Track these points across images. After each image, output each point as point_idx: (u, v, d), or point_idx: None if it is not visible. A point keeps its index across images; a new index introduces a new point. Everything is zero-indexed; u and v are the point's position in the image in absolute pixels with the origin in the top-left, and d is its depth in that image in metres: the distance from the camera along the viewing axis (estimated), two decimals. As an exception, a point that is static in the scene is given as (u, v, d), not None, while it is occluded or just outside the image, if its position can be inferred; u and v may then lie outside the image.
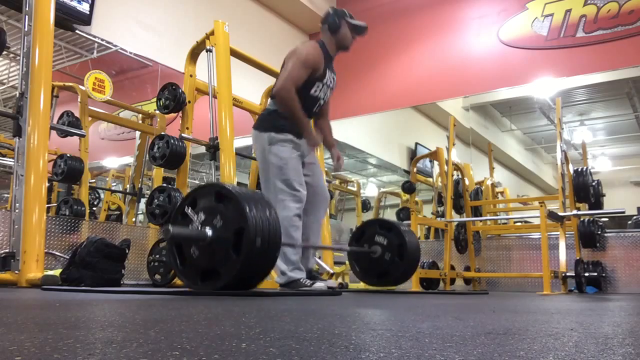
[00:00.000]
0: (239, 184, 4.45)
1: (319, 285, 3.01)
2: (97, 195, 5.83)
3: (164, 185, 4.38)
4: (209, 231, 2.16)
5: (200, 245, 2.19)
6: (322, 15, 3.32)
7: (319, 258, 4.80)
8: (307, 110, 3.18)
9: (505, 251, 6.00)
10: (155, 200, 4.23)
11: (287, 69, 3.07)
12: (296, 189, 3.04)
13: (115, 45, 5.46)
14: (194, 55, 4.42)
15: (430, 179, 7.56)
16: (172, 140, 4.04)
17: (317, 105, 3.27)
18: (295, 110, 3.03)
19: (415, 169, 6.85)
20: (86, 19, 5.05)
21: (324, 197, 3.32)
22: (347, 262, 5.21)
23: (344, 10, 3.29)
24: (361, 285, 4.81)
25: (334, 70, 3.32)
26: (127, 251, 3.82)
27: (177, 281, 3.97)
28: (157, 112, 5.10)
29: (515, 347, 0.81)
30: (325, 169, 5.32)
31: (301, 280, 3.00)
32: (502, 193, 7.43)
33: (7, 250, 3.29)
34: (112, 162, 6.46)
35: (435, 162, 6.89)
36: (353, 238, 3.40)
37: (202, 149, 4.38)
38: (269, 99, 3.36)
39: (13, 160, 3.47)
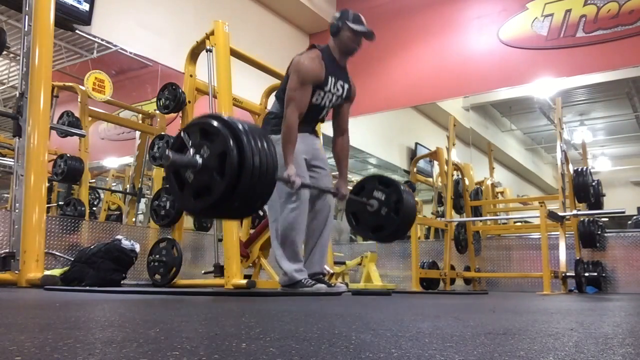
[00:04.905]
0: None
1: (320, 286, 3.00)
2: (97, 195, 5.83)
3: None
4: (199, 159, 2.16)
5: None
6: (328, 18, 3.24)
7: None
8: (311, 119, 3.12)
9: (505, 251, 6.00)
10: (157, 201, 4.24)
11: (289, 95, 2.98)
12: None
13: (115, 45, 5.46)
14: (194, 55, 4.42)
15: (430, 179, 7.56)
16: (172, 140, 4.04)
17: (323, 113, 3.18)
18: (289, 142, 2.92)
19: (415, 169, 6.86)
20: (86, 19, 5.04)
21: (328, 202, 3.25)
22: (347, 262, 5.22)
23: (349, 13, 3.13)
24: (361, 285, 4.82)
25: (344, 78, 3.17)
26: (134, 260, 3.84)
27: (177, 281, 3.98)
28: (157, 112, 5.09)
29: (515, 347, 0.81)
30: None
31: (303, 281, 3.00)
32: (502, 193, 7.44)
33: (7, 250, 3.29)
34: (112, 162, 6.45)
35: (435, 162, 6.89)
36: (352, 192, 3.41)
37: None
38: (276, 101, 3.21)
39: (13, 160, 3.47)
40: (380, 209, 3.31)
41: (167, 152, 2.14)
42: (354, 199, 3.33)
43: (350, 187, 3.38)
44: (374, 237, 3.52)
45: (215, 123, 2.23)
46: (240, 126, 2.19)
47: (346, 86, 3.20)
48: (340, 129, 3.32)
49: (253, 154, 2.12)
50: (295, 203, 3.00)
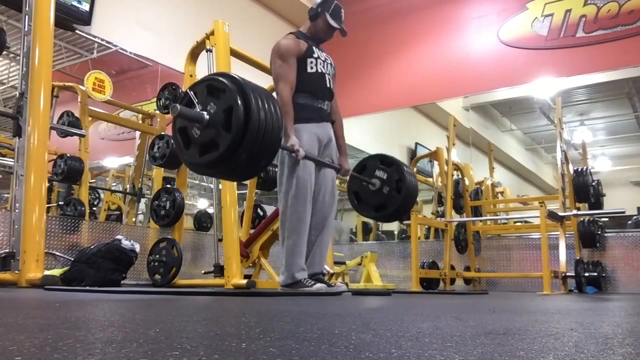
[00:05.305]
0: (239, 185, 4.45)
1: (320, 286, 3.00)
2: (97, 195, 5.83)
3: (169, 186, 4.40)
4: (206, 115, 2.18)
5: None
6: None
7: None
8: (320, 91, 3.15)
9: (505, 251, 5.99)
10: (157, 201, 4.24)
11: (276, 73, 3.10)
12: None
13: (115, 45, 5.46)
14: (194, 55, 4.42)
15: (430, 179, 7.55)
16: (172, 140, 4.05)
17: (327, 82, 3.21)
18: (286, 114, 2.95)
19: (415, 169, 6.86)
20: (86, 19, 5.04)
21: (332, 198, 3.26)
22: (347, 262, 5.22)
23: (331, 3, 3.22)
24: (361, 285, 4.82)
25: (324, 52, 3.28)
26: (134, 260, 3.84)
27: (177, 281, 3.98)
28: (157, 112, 5.09)
29: (515, 347, 0.81)
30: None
31: (303, 281, 2.99)
32: (502, 193, 7.44)
33: (7, 250, 3.29)
34: (112, 162, 6.45)
35: (435, 162, 6.89)
36: (354, 171, 3.41)
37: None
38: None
39: (13, 160, 3.47)
40: (382, 188, 3.32)
41: (175, 105, 2.16)
42: (357, 177, 3.34)
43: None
44: (376, 216, 3.51)
45: (222, 79, 2.25)
46: (246, 83, 2.22)
47: (330, 58, 3.31)
48: (332, 109, 3.34)
49: (259, 109, 2.14)
50: (300, 190, 3.00)
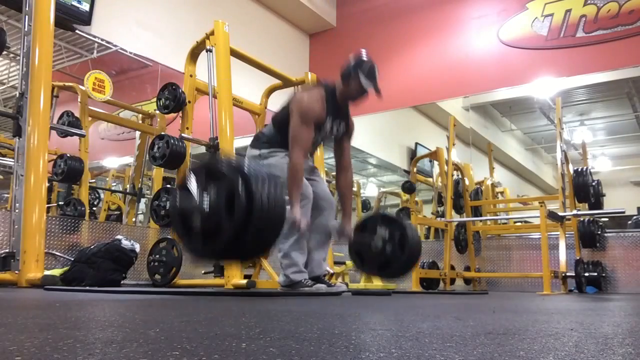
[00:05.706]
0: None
1: (320, 286, 3.01)
2: (97, 195, 5.83)
3: (169, 186, 4.40)
4: (205, 203, 2.17)
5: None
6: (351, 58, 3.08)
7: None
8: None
9: (505, 251, 6.00)
10: (157, 201, 4.24)
11: (293, 135, 2.92)
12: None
13: (115, 45, 5.46)
14: (194, 55, 4.42)
15: (430, 179, 7.55)
16: (172, 140, 4.05)
17: (314, 149, 3.21)
18: (295, 184, 2.89)
19: (415, 169, 6.86)
20: (86, 19, 5.04)
21: (329, 202, 3.27)
22: (347, 262, 5.22)
23: (365, 64, 3.02)
24: (361, 285, 4.82)
25: (342, 116, 3.12)
26: (134, 260, 3.85)
27: (177, 281, 3.98)
28: (157, 112, 5.09)
29: (515, 347, 0.81)
30: (326, 169, 5.32)
31: (303, 282, 3.01)
32: (502, 193, 7.44)
33: (7, 250, 3.29)
34: (112, 162, 6.45)
35: (435, 162, 6.90)
36: (355, 230, 3.41)
37: (202, 149, 4.38)
38: (270, 125, 3.19)
39: (13, 160, 3.47)
40: (385, 247, 3.31)
41: (174, 201, 2.15)
42: (358, 239, 3.33)
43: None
44: (381, 275, 3.49)
45: (219, 166, 2.25)
46: (243, 164, 2.21)
47: (343, 125, 3.15)
48: (343, 165, 3.25)
49: (261, 192, 2.13)
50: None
